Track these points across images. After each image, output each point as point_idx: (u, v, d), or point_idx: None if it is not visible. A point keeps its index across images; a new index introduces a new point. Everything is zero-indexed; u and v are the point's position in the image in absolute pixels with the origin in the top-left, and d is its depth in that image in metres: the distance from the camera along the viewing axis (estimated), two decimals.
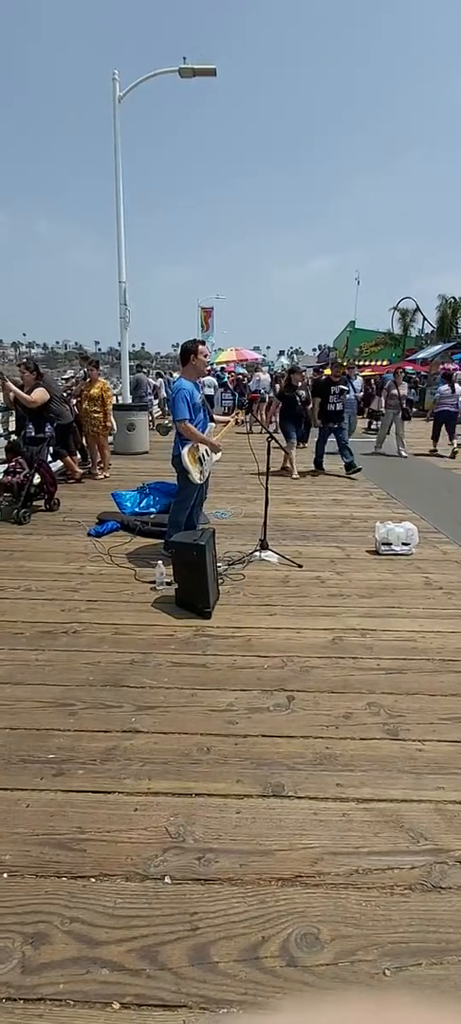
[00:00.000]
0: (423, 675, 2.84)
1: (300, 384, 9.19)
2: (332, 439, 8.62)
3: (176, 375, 7.49)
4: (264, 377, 15.73)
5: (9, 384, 6.37)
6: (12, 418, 8.55)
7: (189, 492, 4.32)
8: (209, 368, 19.65)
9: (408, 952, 1.44)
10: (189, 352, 4.23)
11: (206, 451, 4.32)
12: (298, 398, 8.54)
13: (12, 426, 8.67)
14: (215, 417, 4.74)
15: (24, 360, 6.97)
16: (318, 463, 8.73)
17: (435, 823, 1.88)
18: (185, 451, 4.12)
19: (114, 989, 1.35)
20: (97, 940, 1.46)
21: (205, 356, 4.31)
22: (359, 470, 8.30)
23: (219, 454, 4.50)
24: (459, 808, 1.95)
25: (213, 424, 4.59)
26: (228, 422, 4.79)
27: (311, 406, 9.08)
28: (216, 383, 17.89)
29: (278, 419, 9.16)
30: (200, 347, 4.28)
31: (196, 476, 4.19)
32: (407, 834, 1.83)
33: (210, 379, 16.17)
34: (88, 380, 8.10)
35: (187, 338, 4.44)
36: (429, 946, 1.46)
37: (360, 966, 1.41)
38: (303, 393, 14.98)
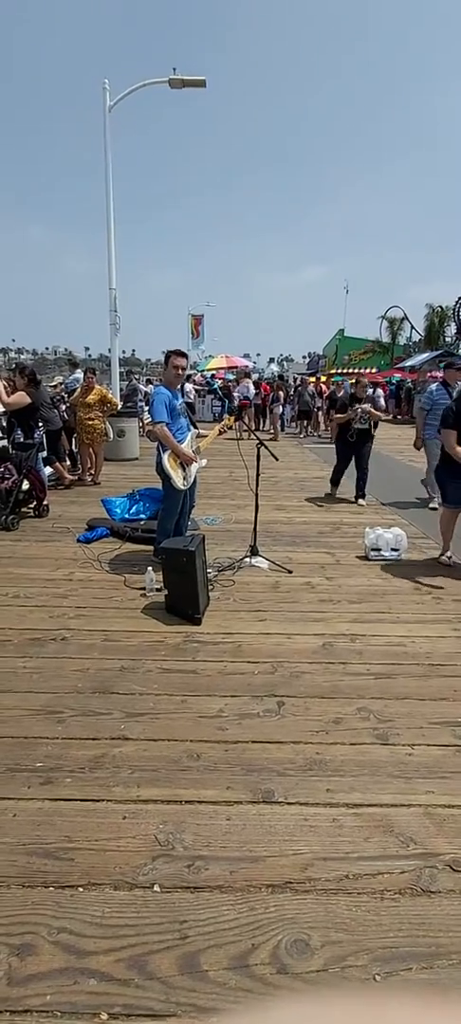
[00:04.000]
0: (412, 680, 2.86)
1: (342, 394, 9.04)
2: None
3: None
4: (251, 385, 16.06)
5: None
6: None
7: (175, 499, 4.31)
8: (197, 375, 19.64)
9: (398, 957, 1.44)
10: (165, 360, 4.34)
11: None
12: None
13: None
14: (199, 426, 4.74)
15: (16, 363, 6.93)
16: (335, 481, 7.53)
17: (425, 827, 1.89)
18: (166, 456, 4.12)
19: (102, 1000, 1.33)
20: (85, 950, 1.44)
21: (176, 369, 4.25)
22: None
23: (204, 461, 4.50)
24: (448, 812, 1.96)
25: (195, 430, 4.58)
26: (214, 431, 4.79)
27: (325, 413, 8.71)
28: (193, 389, 17.89)
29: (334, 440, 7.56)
30: (173, 357, 4.27)
31: (179, 482, 4.19)
32: (397, 839, 1.84)
33: (189, 386, 16.24)
34: (84, 387, 8.02)
35: (177, 346, 4.46)
36: (419, 950, 1.46)
37: (350, 972, 1.40)
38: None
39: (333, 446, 7.76)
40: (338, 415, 7.22)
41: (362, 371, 30.28)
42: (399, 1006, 0.33)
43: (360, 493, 7.20)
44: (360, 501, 7.14)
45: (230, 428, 4.89)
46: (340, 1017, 0.32)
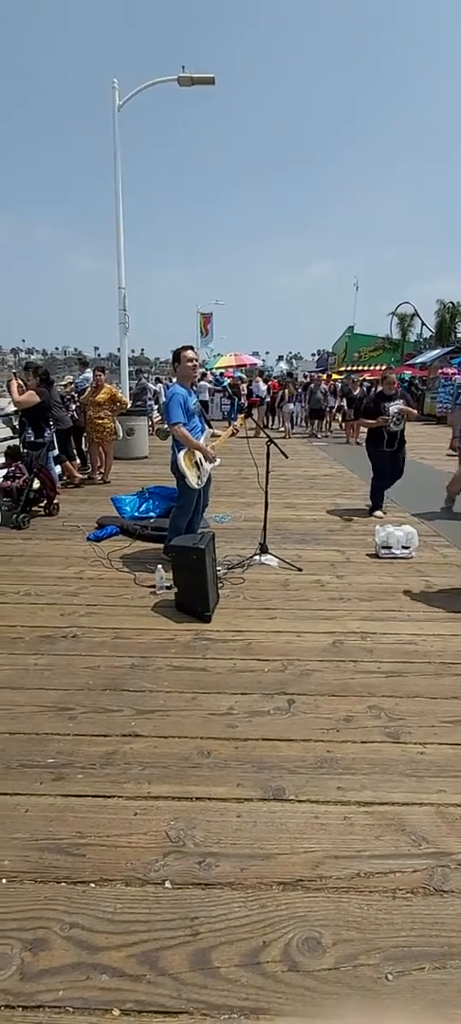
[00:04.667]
0: (424, 678, 2.83)
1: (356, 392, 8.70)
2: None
3: (173, 381, 7.51)
4: (262, 383, 16.05)
5: (12, 379, 6.38)
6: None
7: (189, 498, 4.31)
8: (205, 373, 19.67)
9: (411, 956, 1.43)
10: (175, 359, 4.31)
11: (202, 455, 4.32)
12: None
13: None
14: (214, 425, 4.73)
15: (27, 363, 6.97)
16: (376, 504, 6.30)
17: (437, 826, 1.87)
18: (181, 455, 4.11)
19: (114, 995, 1.34)
20: (97, 946, 1.45)
21: (190, 361, 4.25)
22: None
23: (218, 460, 4.49)
24: None
25: (210, 430, 4.58)
26: (227, 430, 4.78)
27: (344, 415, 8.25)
28: (208, 387, 17.92)
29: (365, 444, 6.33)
30: (184, 352, 4.27)
31: (193, 481, 4.19)
32: (409, 837, 1.82)
33: (203, 383, 16.25)
34: (94, 386, 8.05)
35: (186, 343, 4.45)
36: (432, 950, 1.45)
37: (362, 970, 1.39)
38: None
39: (347, 446, 7.47)
40: (367, 420, 5.99)
41: (373, 368, 30.05)
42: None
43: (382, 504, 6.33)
44: (377, 513, 6.22)
45: (242, 426, 4.87)
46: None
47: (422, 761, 2.20)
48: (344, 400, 15.18)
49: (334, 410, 17.09)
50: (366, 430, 6.18)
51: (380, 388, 6.18)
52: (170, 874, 1.67)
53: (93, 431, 7.99)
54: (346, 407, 14.61)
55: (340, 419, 16.49)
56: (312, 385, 15.96)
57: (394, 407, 5.76)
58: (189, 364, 4.26)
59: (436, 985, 1.37)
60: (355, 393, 14.02)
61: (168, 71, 11.13)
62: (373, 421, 5.87)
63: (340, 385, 17.27)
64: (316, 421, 15.62)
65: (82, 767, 2.14)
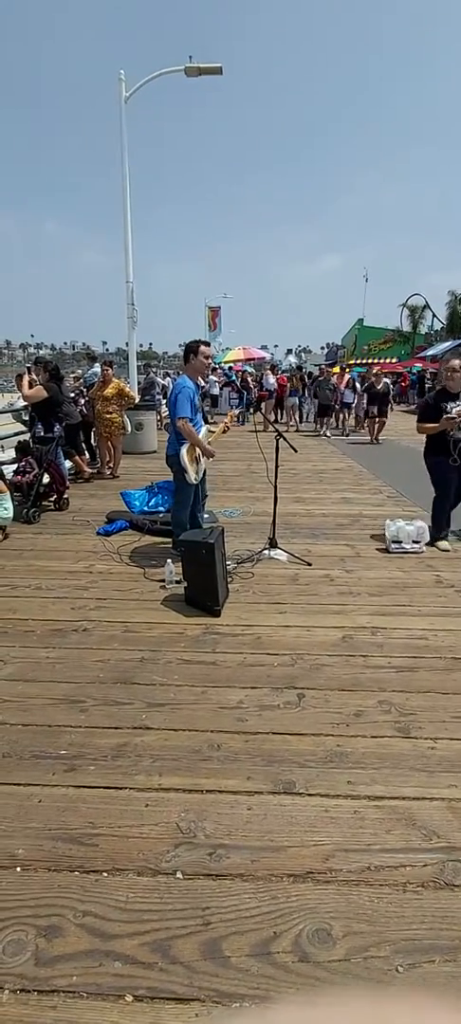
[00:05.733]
0: (435, 673, 2.83)
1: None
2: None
3: (179, 374, 7.50)
4: (271, 377, 15.94)
5: (23, 374, 6.43)
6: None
7: (188, 492, 4.35)
8: (215, 367, 19.68)
9: (421, 949, 1.44)
10: (190, 351, 4.32)
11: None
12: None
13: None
14: (209, 421, 4.75)
15: (37, 358, 7.01)
16: (438, 528, 4.94)
17: (448, 821, 1.87)
18: (184, 450, 4.14)
19: (127, 982, 1.36)
20: (110, 933, 1.47)
21: (206, 357, 4.31)
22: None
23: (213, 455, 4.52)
24: None
25: (206, 426, 4.61)
26: (220, 427, 4.79)
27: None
28: (216, 381, 17.93)
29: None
30: (201, 347, 4.30)
31: (192, 476, 4.23)
32: (419, 832, 1.82)
33: (213, 378, 16.24)
34: (101, 381, 8.08)
35: (194, 338, 4.46)
36: (442, 943, 1.45)
37: (373, 963, 1.40)
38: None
39: (369, 445, 7.05)
40: (426, 424, 4.87)
41: (383, 361, 29.78)
42: (398, 1007, 0.33)
43: (447, 528, 4.97)
44: (441, 544, 4.86)
45: (236, 423, 4.86)
46: (339, 1019, 0.32)
47: (433, 756, 2.19)
48: (365, 396, 13.60)
49: (353, 406, 15.22)
50: (376, 427, 5.83)
51: (441, 384, 5.11)
52: (181, 865, 1.69)
53: (101, 426, 8.02)
54: (367, 403, 13.05)
55: (362, 417, 14.55)
56: (321, 379, 14.41)
57: (455, 405, 4.63)
58: (206, 360, 4.33)
59: (446, 978, 1.37)
60: (378, 388, 12.47)
61: (175, 54, 11.08)
62: (435, 425, 4.74)
63: (354, 378, 15.93)
64: (324, 418, 14.10)
65: (94, 759, 2.16)
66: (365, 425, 13.87)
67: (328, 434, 13.86)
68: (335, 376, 15.48)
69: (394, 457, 10.41)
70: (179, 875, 1.65)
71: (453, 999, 0.32)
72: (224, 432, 4.79)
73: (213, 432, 4.67)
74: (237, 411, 5.05)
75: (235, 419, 4.79)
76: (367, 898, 1.58)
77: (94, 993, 1.33)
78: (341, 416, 15.13)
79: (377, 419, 12.59)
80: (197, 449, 4.28)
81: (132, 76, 11.18)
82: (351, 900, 1.57)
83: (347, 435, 14.12)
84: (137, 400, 10.95)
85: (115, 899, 1.57)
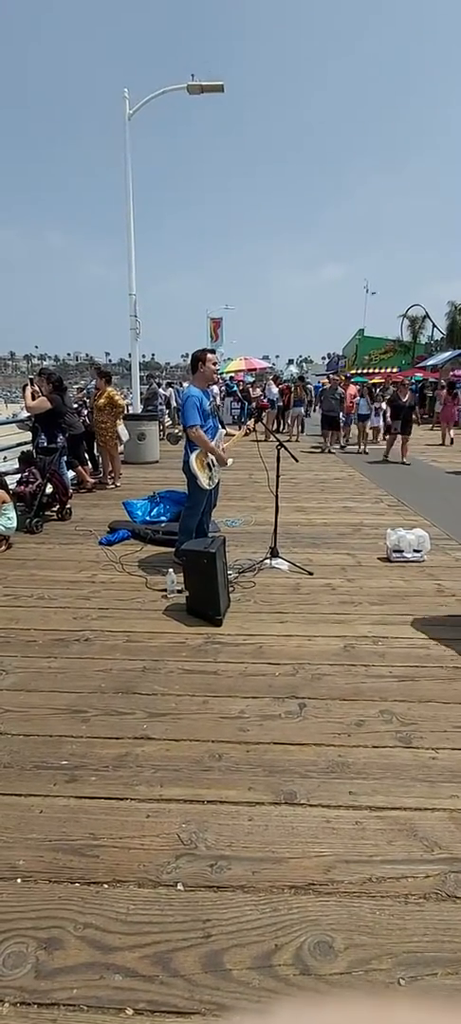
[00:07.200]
0: (436, 682, 2.82)
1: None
2: None
3: (186, 384, 7.51)
4: (274, 387, 16.00)
5: (27, 385, 6.46)
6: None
7: (199, 498, 4.36)
8: (217, 377, 19.78)
9: (423, 961, 1.43)
10: (198, 360, 4.36)
11: (214, 458, 4.38)
12: None
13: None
14: (227, 427, 4.80)
15: (41, 369, 7.04)
16: None
17: (450, 832, 1.86)
18: (193, 456, 4.17)
19: (127, 995, 1.35)
20: (110, 946, 1.47)
21: (214, 364, 4.40)
22: None
23: (230, 460, 4.55)
24: None
25: (224, 431, 4.64)
26: (240, 432, 4.84)
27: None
28: (216, 391, 18.02)
29: None
30: (208, 355, 4.38)
31: (205, 482, 4.24)
32: (421, 843, 1.81)
33: (214, 388, 16.32)
34: (96, 391, 8.14)
35: (196, 348, 4.51)
36: (444, 955, 1.44)
37: (374, 975, 1.39)
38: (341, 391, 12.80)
39: (384, 462, 6.38)
40: None
41: (383, 371, 29.88)
42: (398, 1007, 0.34)
43: None
44: None
45: (253, 431, 4.91)
46: (338, 1020, 0.32)
47: (434, 766, 2.18)
48: (388, 409, 11.75)
49: (371, 417, 13.28)
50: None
51: None
52: (182, 876, 1.68)
53: (98, 435, 8.10)
54: (391, 418, 11.22)
55: (382, 430, 13.00)
56: (328, 388, 13.18)
57: None
58: (214, 367, 4.41)
59: (448, 991, 1.36)
60: (404, 400, 10.80)
61: (177, 69, 11.23)
62: None
63: (366, 383, 14.69)
64: (330, 432, 12.61)
65: (95, 769, 2.16)
66: (385, 439, 12.18)
67: (333, 450, 12.54)
68: (341, 387, 13.64)
69: (394, 467, 10.41)
70: (180, 887, 1.65)
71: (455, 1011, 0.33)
72: (246, 435, 4.86)
73: (233, 435, 4.74)
74: (252, 422, 5.04)
75: (251, 429, 4.86)
76: (369, 910, 1.57)
77: (94, 1006, 1.33)
78: (355, 429, 13.48)
79: (401, 435, 10.80)
80: (209, 455, 4.31)
81: (137, 92, 11.33)
82: (352, 912, 1.56)
83: (365, 452, 12.41)
84: (129, 409, 10.97)
85: (116, 911, 1.57)
